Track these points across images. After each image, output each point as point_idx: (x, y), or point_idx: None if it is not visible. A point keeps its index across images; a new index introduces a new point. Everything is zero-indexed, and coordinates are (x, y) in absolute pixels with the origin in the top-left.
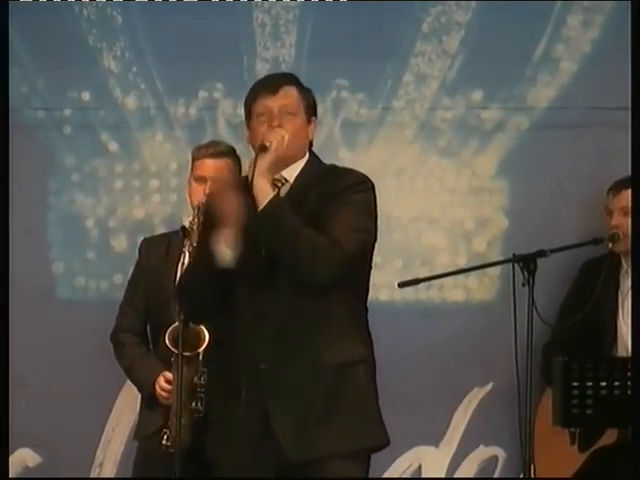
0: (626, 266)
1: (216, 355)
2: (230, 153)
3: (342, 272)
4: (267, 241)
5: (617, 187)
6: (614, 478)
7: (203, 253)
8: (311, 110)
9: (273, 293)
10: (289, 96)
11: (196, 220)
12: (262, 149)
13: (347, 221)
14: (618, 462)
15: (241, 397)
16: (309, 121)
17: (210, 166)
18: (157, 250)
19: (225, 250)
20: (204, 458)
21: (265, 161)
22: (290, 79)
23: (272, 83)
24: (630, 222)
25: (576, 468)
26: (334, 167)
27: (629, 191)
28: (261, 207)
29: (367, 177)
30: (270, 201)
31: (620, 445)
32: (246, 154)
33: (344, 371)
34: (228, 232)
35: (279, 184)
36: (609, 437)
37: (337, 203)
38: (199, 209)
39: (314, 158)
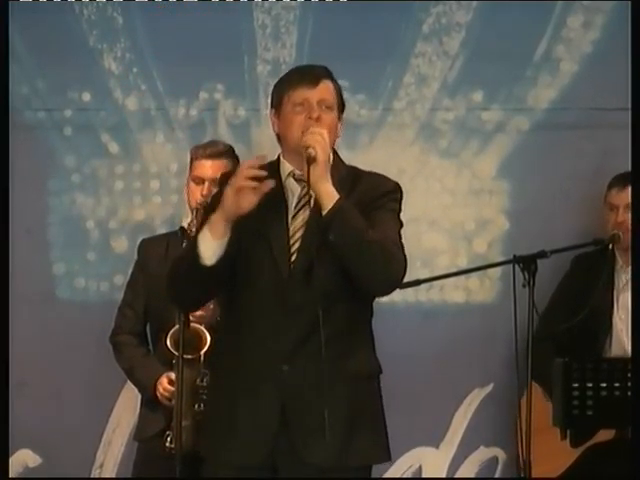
0: (621, 262)
1: (227, 350)
2: (229, 153)
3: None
4: (334, 244)
5: (622, 182)
6: (612, 474)
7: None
8: (342, 107)
9: (306, 295)
10: (328, 90)
11: (194, 221)
12: (311, 161)
13: (393, 227)
14: (616, 458)
15: (257, 393)
16: (339, 118)
17: (208, 167)
18: (156, 251)
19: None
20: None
21: (318, 169)
22: (327, 73)
23: (312, 75)
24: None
25: (567, 463)
26: (358, 169)
27: None
28: (326, 209)
29: (399, 185)
30: (337, 202)
31: (619, 442)
32: (246, 154)
33: (362, 384)
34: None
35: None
36: (606, 433)
37: (378, 208)
38: (197, 210)
39: (338, 157)
